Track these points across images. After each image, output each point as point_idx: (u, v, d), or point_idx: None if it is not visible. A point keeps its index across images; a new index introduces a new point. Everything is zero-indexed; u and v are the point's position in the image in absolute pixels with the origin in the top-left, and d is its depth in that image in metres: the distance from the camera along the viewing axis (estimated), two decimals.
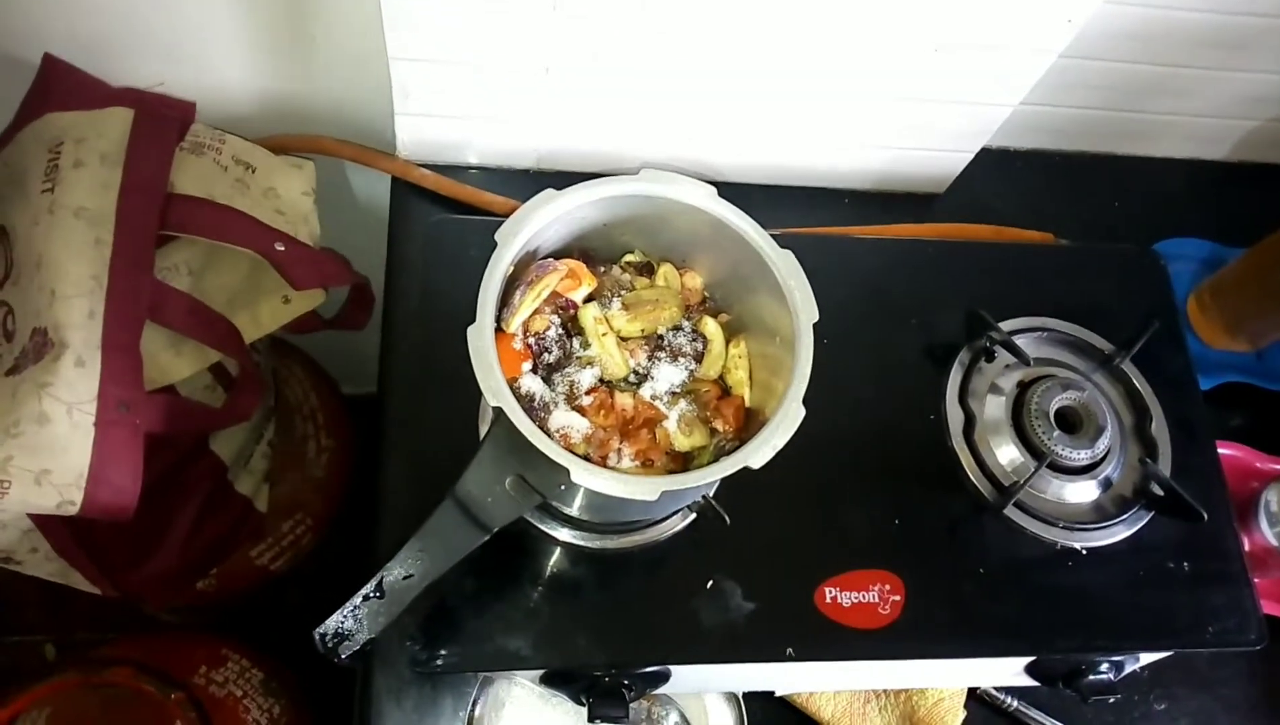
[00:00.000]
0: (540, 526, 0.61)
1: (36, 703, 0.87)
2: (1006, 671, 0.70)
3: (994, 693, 0.74)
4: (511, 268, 0.53)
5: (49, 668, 1.00)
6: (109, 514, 0.66)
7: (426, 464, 0.63)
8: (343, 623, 0.47)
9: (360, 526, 0.70)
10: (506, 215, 0.54)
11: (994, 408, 0.70)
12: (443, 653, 0.58)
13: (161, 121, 0.73)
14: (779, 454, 0.50)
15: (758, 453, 0.50)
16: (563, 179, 0.56)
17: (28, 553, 0.72)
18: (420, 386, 0.67)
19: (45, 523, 0.71)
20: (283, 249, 0.74)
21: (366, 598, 0.48)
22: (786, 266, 0.55)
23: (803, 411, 0.51)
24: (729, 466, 0.50)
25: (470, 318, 0.50)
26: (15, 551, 0.72)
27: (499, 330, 0.55)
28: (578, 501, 0.58)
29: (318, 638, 0.47)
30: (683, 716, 0.69)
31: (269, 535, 0.98)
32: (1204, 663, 0.78)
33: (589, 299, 0.58)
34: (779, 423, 0.50)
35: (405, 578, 0.49)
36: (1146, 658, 0.70)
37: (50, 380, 0.63)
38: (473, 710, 0.66)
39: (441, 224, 0.72)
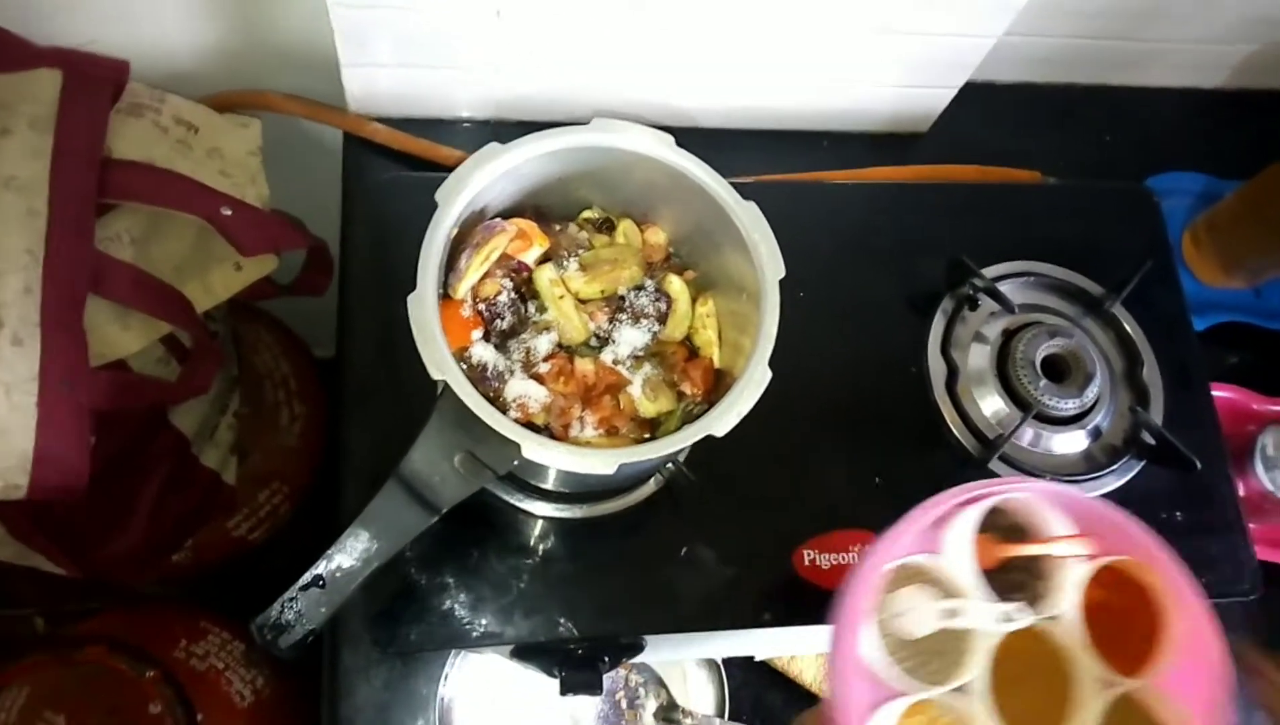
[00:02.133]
0: (505, 497, 0.59)
1: (16, 681, 0.86)
2: None
3: None
4: (456, 230, 0.50)
5: (37, 641, 0.98)
6: (59, 495, 0.63)
7: (389, 433, 0.61)
8: (280, 614, 0.45)
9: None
10: None
11: (978, 358, 0.67)
12: (408, 631, 0.56)
13: (93, 82, 0.68)
14: (753, 413, 0.48)
15: (721, 420, 0.47)
16: (524, 129, 0.53)
17: None
18: (380, 352, 0.65)
19: None
20: (229, 213, 0.70)
21: (305, 587, 0.45)
22: (750, 219, 0.51)
23: (769, 375, 0.48)
24: (691, 436, 0.47)
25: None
26: None
27: (446, 297, 0.51)
28: (541, 473, 0.55)
29: (254, 630, 0.45)
30: (661, 683, 0.68)
31: (244, 506, 0.96)
32: None
33: (543, 260, 0.55)
34: (743, 388, 0.48)
35: (349, 565, 0.46)
36: None
37: None
38: (444, 684, 0.64)
39: (394, 181, 0.69)
